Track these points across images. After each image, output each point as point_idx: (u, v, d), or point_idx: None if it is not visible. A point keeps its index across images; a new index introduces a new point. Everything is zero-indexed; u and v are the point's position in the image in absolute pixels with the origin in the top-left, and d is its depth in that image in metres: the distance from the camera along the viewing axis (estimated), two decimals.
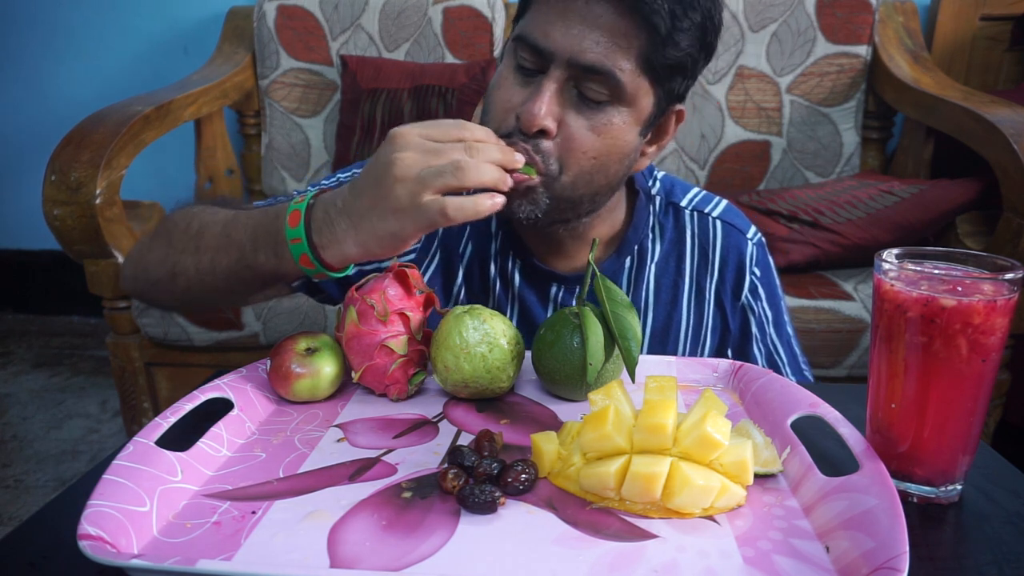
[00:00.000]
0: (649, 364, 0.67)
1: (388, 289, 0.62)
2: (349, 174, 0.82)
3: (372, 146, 1.78)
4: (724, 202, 0.84)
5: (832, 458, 0.51)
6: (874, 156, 1.83)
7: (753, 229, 0.83)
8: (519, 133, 0.65)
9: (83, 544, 0.40)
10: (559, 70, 0.63)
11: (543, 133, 0.64)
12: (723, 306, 0.81)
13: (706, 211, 0.82)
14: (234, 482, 0.50)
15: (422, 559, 0.42)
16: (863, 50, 1.75)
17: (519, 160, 0.60)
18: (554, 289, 0.80)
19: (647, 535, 0.44)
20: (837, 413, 0.53)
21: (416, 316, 0.63)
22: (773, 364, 0.82)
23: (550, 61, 0.63)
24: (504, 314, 0.69)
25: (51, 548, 0.44)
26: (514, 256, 0.80)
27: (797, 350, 0.84)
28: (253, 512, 0.46)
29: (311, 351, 0.62)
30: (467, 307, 0.63)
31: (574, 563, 0.41)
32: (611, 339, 0.61)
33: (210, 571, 0.39)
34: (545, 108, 0.63)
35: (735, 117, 1.80)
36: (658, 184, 0.82)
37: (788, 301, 1.30)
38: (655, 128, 0.72)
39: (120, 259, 1.42)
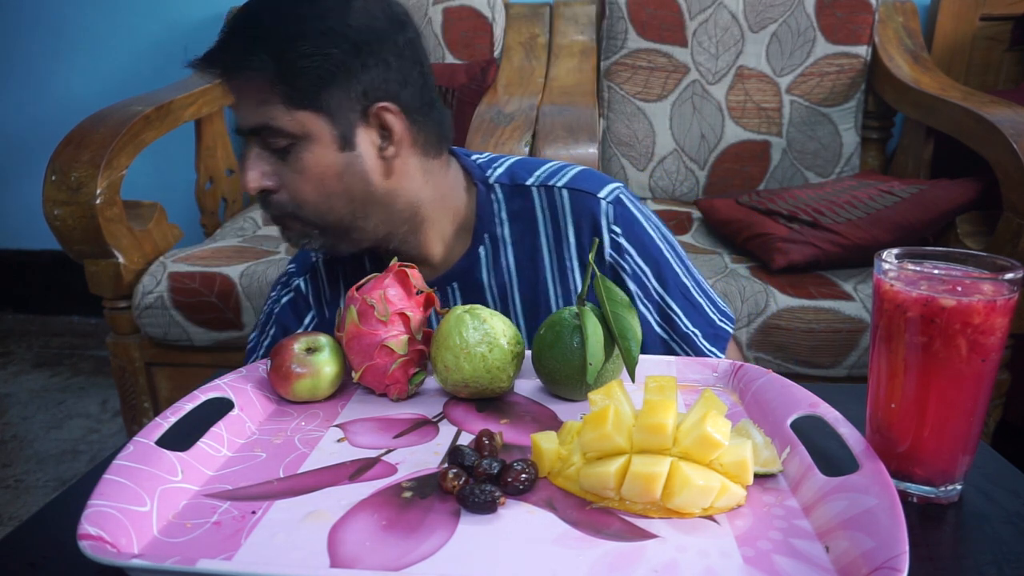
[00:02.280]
0: (649, 364, 0.67)
1: (388, 289, 0.62)
2: (268, 307, 0.91)
3: None
4: (576, 169, 0.84)
5: (832, 458, 0.51)
6: (874, 156, 1.83)
7: (608, 188, 0.82)
8: (260, 200, 0.75)
9: (83, 544, 0.40)
10: (248, 138, 0.73)
11: (267, 192, 0.74)
12: None
13: (551, 183, 0.83)
14: (234, 482, 0.50)
15: (422, 559, 0.42)
16: (863, 50, 1.75)
17: None
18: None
19: (647, 535, 0.44)
20: (837, 413, 0.53)
21: (416, 316, 0.63)
22: (667, 319, 0.82)
23: (242, 135, 0.74)
24: None
25: (51, 548, 0.44)
26: None
27: (702, 299, 0.83)
28: (253, 512, 0.46)
29: (311, 351, 0.62)
30: (467, 307, 0.63)
31: (574, 563, 0.41)
32: (611, 339, 0.61)
33: (210, 571, 0.39)
34: (249, 173, 0.73)
35: (735, 117, 1.80)
36: (500, 172, 0.85)
37: (788, 301, 1.30)
38: (382, 135, 0.75)
39: (121, 259, 1.42)
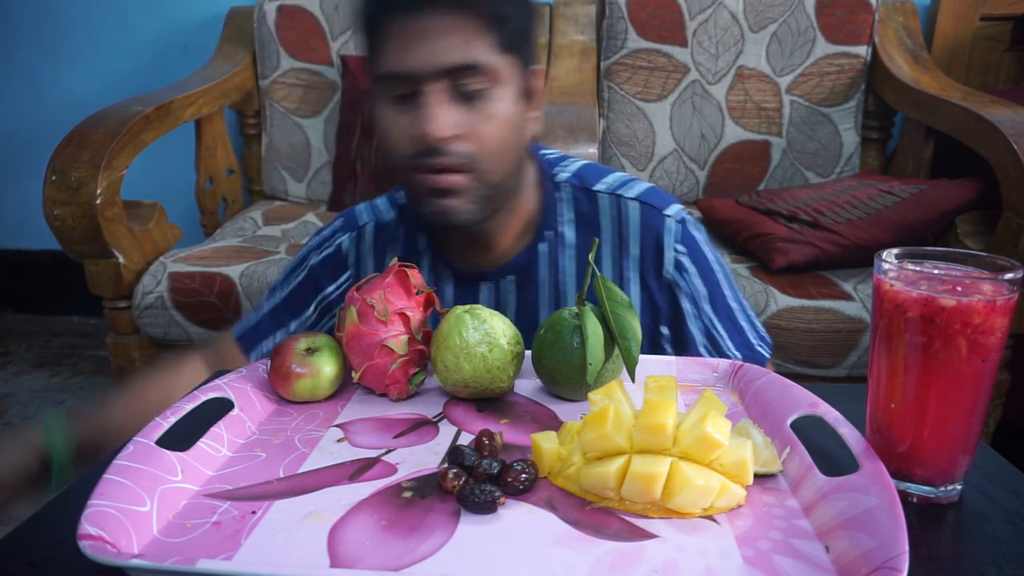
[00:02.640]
0: (649, 364, 0.67)
1: (388, 289, 0.62)
2: (305, 252, 0.89)
3: (372, 146, 1.78)
4: (645, 185, 0.85)
5: (832, 458, 0.51)
6: (874, 156, 1.83)
7: (675, 207, 0.83)
8: (429, 154, 0.70)
9: (83, 544, 0.40)
10: (432, 83, 0.69)
11: (450, 140, 0.69)
12: (648, 285, 0.82)
13: (620, 193, 0.83)
14: (234, 482, 0.50)
15: (422, 559, 0.42)
16: (863, 50, 1.75)
17: None
18: (483, 286, 0.84)
19: (647, 535, 0.44)
20: (837, 413, 0.53)
21: (416, 316, 0.63)
22: (712, 340, 0.83)
23: (421, 80, 0.69)
24: None
25: (51, 548, 0.44)
26: (442, 265, 0.84)
27: (745, 324, 0.84)
28: (253, 512, 0.46)
29: (311, 351, 0.62)
30: (467, 307, 0.63)
31: (574, 563, 0.41)
32: (611, 339, 0.61)
33: (210, 571, 0.39)
34: (442, 120, 0.69)
35: (735, 117, 1.80)
36: (569, 173, 0.84)
37: (788, 301, 1.30)
38: (528, 93, 0.76)
39: (121, 259, 1.42)
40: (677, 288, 0.82)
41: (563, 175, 0.84)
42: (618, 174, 0.85)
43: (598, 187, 0.83)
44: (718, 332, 0.83)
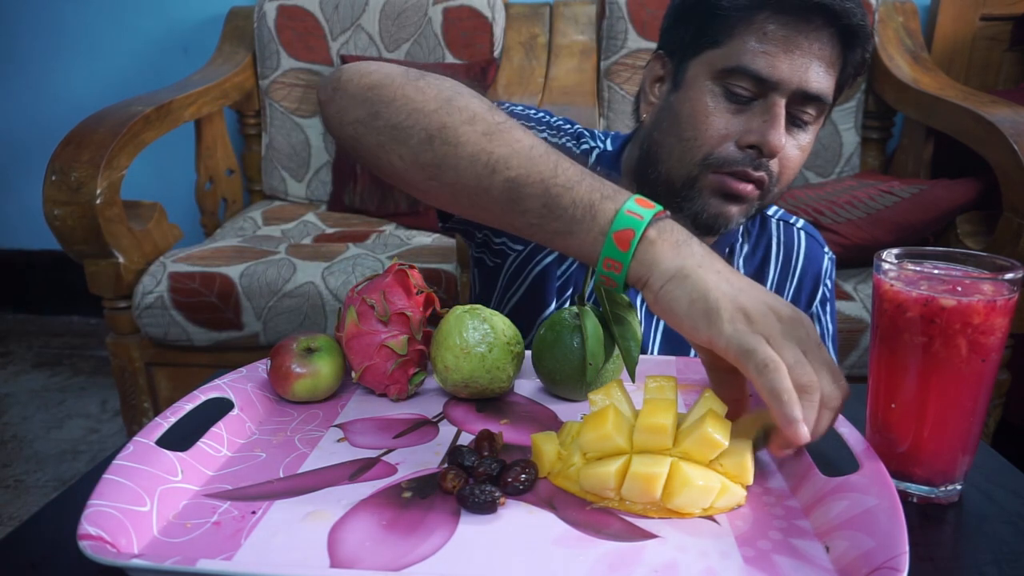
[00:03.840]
0: (649, 364, 0.67)
1: (388, 289, 0.62)
2: (546, 116, 0.82)
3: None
4: (803, 220, 0.90)
5: (832, 458, 0.51)
6: (874, 156, 1.83)
7: (828, 246, 0.89)
8: (746, 160, 0.70)
9: (83, 544, 0.40)
10: (783, 98, 0.68)
11: (762, 156, 0.70)
12: None
13: (791, 222, 0.88)
14: (234, 482, 0.50)
15: (422, 559, 0.42)
16: None
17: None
18: None
19: (647, 535, 0.44)
20: None
21: (416, 316, 0.63)
22: None
23: (774, 90, 0.68)
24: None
25: (51, 548, 0.44)
26: None
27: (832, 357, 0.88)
28: (253, 512, 0.46)
29: (311, 351, 0.62)
30: (467, 307, 0.63)
31: (574, 563, 0.41)
32: (611, 339, 0.61)
33: (210, 571, 0.39)
34: (784, 137, 0.69)
35: None
36: None
37: None
38: None
39: (121, 259, 1.42)
40: (817, 322, 0.85)
41: None
42: (775, 206, 0.89)
43: (770, 212, 0.88)
44: None
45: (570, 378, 0.61)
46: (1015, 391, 1.39)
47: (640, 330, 0.62)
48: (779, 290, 0.86)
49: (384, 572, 0.40)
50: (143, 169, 1.71)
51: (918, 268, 0.48)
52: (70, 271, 1.67)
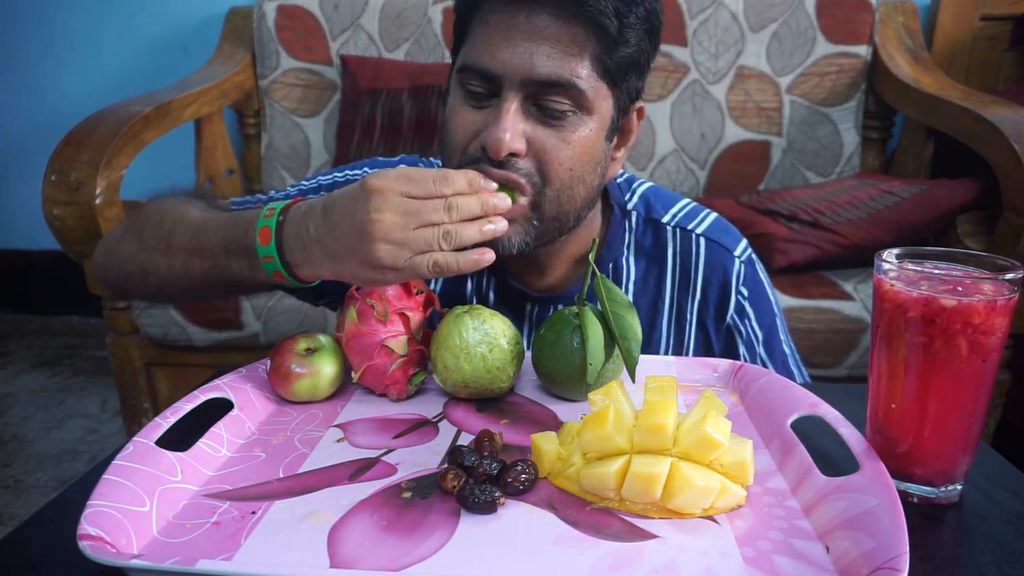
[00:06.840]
0: (649, 364, 0.67)
1: (388, 289, 0.62)
2: (330, 179, 0.82)
3: (372, 146, 1.78)
4: (712, 216, 0.81)
5: (832, 458, 0.51)
6: (874, 156, 1.83)
7: (742, 246, 0.80)
8: (486, 160, 0.63)
9: (83, 544, 0.40)
10: (513, 90, 0.62)
11: (513, 155, 0.63)
12: (706, 328, 0.79)
13: (689, 228, 0.79)
14: (234, 482, 0.50)
15: (422, 559, 0.42)
16: (863, 50, 1.75)
17: (501, 204, 0.58)
18: (528, 307, 0.79)
19: (647, 535, 0.44)
20: (837, 413, 0.53)
21: (416, 316, 0.63)
22: None
23: (502, 84, 0.62)
24: None
25: (51, 548, 0.44)
26: (488, 274, 0.79)
27: (794, 368, 0.82)
28: (253, 512, 0.46)
29: (311, 351, 0.62)
30: (467, 307, 0.63)
31: (574, 563, 0.41)
32: (611, 339, 0.61)
33: (210, 571, 0.39)
34: (510, 131, 0.61)
35: (735, 117, 1.80)
36: (636, 199, 0.80)
37: (788, 301, 1.30)
38: (619, 130, 0.70)
39: None
40: (736, 333, 0.79)
41: (632, 201, 0.79)
42: (684, 201, 0.81)
43: (665, 219, 0.79)
44: None
45: (570, 378, 0.61)
46: (1015, 391, 1.39)
47: (640, 330, 0.62)
48: (679, 307, 0.78)
49: (384, 572, 0.40)
50: (143, 169, 1.71)
51: (918, 268, 0.48)
52: (70, 271, 1.66)
